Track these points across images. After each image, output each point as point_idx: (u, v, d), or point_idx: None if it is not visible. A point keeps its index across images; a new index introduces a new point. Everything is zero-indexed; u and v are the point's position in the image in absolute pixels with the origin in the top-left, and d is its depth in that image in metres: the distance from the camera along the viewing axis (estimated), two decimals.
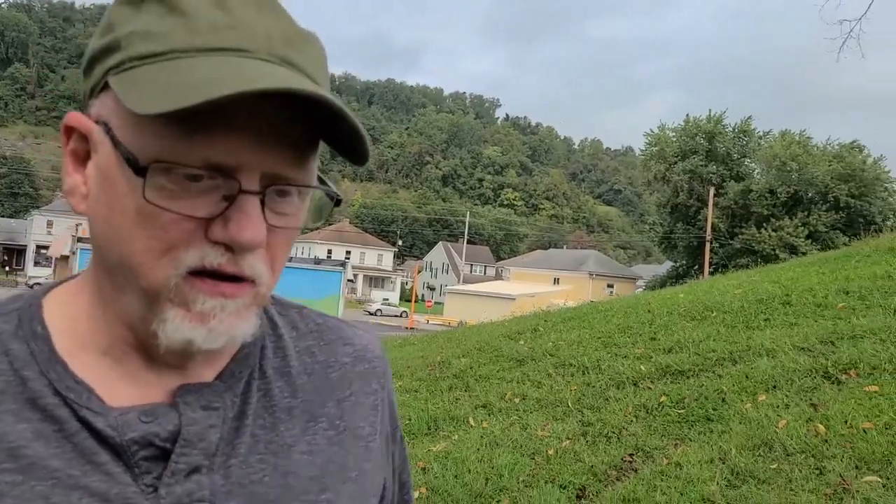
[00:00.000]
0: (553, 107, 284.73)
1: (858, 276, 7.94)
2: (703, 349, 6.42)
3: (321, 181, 0.68)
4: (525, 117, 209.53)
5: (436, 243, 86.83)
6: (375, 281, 71.32)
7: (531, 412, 5.65)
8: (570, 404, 5.67)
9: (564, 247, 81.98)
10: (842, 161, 47.35)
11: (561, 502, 3.96)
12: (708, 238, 47.19)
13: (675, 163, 51.17)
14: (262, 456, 0.68)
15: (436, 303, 64.31)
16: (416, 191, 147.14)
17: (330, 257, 63.35)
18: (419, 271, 72.27)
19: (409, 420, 5.57)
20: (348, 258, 70.13)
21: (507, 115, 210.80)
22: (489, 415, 5.72)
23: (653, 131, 53.57)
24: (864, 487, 3.75)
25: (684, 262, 53.81)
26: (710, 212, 47.53)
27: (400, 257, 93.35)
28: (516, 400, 6.02)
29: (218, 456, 0.66)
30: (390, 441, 0.85)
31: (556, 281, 53.80)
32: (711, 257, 46.81)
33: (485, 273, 77.94)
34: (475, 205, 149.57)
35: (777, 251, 43.58)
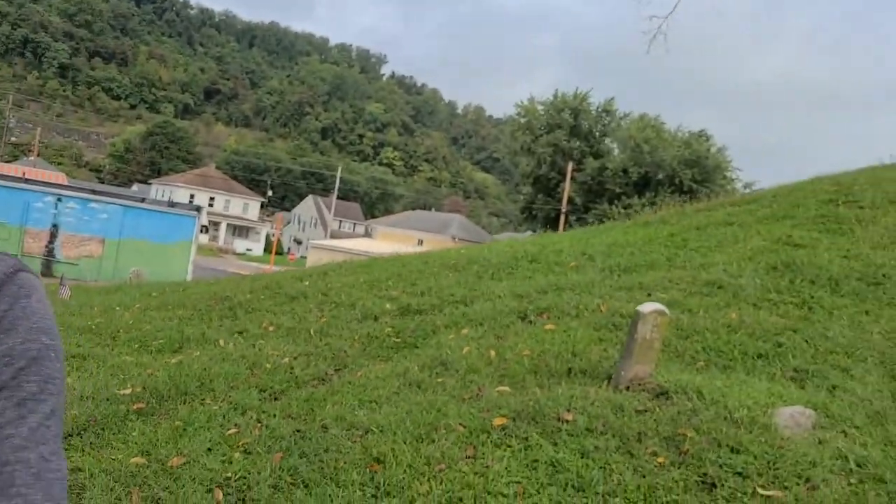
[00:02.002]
0: (440, 69, 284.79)
1: (601, 243, 9.23)
2: (445, 294, 7.41)
3: None
4: (411, 77, 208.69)
5: (308, 196, 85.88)
6: (240, 230, 69.96)
7: (276, 338, 6.41)
8: (311, 332, 6.48)
9: (433, 209, 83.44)
10: (689, 147, 50.98)
11: (255, 400, 4.75)
12: (564, 210, 49.61)
13: (541, 135, 53.22)
14: None
15: (301, 257, 64.03)
16: (293, 141, 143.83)
17: (192, 202, 61.24)
18: (284, 223, 71.42)
19: (159, 340, 6.20)
20: (211, 205, 68.27)
21: (393, 72, 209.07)
22: (241, 339, 6.44)
23: (523, 103, 55.42)
24: (494, 395, 4.75)
25: (542, 232, 56.41)
26: (567, 185, 49.94)
27: (269, 208, 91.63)
28: (270, 328, 6.76)
29: None
30: None
31: (420, 242, 54.98)
32: (566, 229, 49.32)
33: (354, 230, 78.18)
34: (354, 161, 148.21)
35: None
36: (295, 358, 5.71)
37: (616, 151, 53.94)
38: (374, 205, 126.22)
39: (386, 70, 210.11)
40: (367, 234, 69.38)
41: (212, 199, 68.68)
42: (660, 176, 51.45)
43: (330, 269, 9.80)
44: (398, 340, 6.15)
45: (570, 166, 49.03)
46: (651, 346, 4.78)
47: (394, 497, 3.42)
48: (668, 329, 5.88)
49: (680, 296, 6.64)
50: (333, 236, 64.63)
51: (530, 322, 6.38)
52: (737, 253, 7.93)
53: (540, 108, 54.57)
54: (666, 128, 52.47)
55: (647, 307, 4.75)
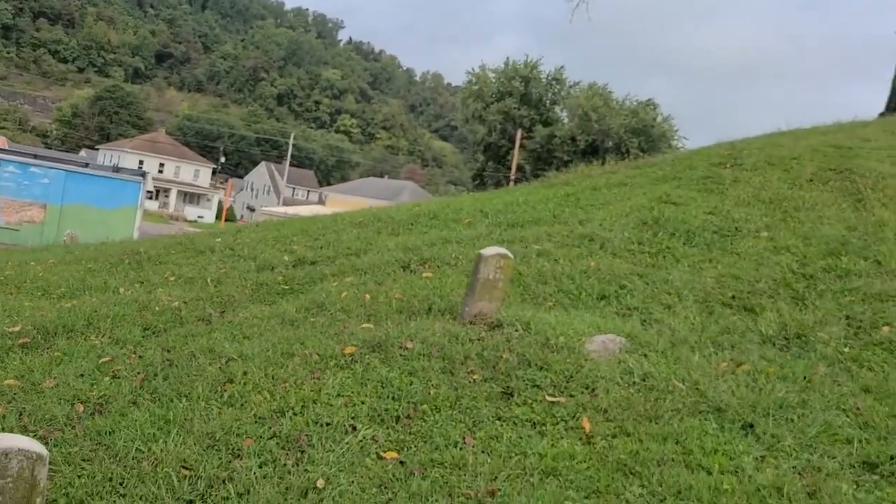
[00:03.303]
0: (398, 35, 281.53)
1: (501, 202, 9.81)
2: (342, 247, 7.92)
3: None
4: (368, 43, 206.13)
5: (261, 163, 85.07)
6: (191, 197, 69.23)
7: (174, 286, 6.87)
8: (208, 281, 6.94)
9: (386, 176, 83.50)
10: (636, 116, 51.94)
11: (135, 335, 5.23)
12: (513, 178, 50.25)
13: (492, 103, 53.56)
14: None
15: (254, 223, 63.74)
16: (248, 107, 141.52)
17: (141, 168, 60.27)
18: (237, 190, 70.83)
19: (62, 289, 6.61)
20: (161, 171, 67.36)
21: (350, 38, 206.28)
22: (140, 287, 6.87)
23: (474, 70, 55.60)
24: (360, 330, 5.27)
25: None
26: (516, 152, 50.49)
27: (222, 175, 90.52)
28: (171, 278, 7.20)
29: None
30: None
31: (371, 209, 55.25)
32: None
33: (307, 197, 77.93)
34: (311, 128, 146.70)
35: None
36: (185, 302, 6.18)
37: (565, 119, 54.70)
38: (330, 172, 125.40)
39: (343, 36, 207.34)
40: (321, 202, 69.26)
41: (161, 165, 67.75)
42: (608, 144, 52.42)
43: (246, 227, 10.21)
44: (286, 287, 6.66)
45: (518, 134, 49.55)
46: (495, 286, 5.37)
47: (231, 406, 3.96)
48: (532, 274, 6.51)
49: (552, 247, 7.25)
50: (286, 203, 64.41)
51: (412, 271, 6.93)
52: (617, 210, 8.57)
53: (491, 75, 54.80)
54: (614, 97, 53.32)
55: (489, 251, 5.33)
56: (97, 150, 73.80)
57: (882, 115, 13.76)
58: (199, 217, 65.37)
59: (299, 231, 9.08)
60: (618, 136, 51.21)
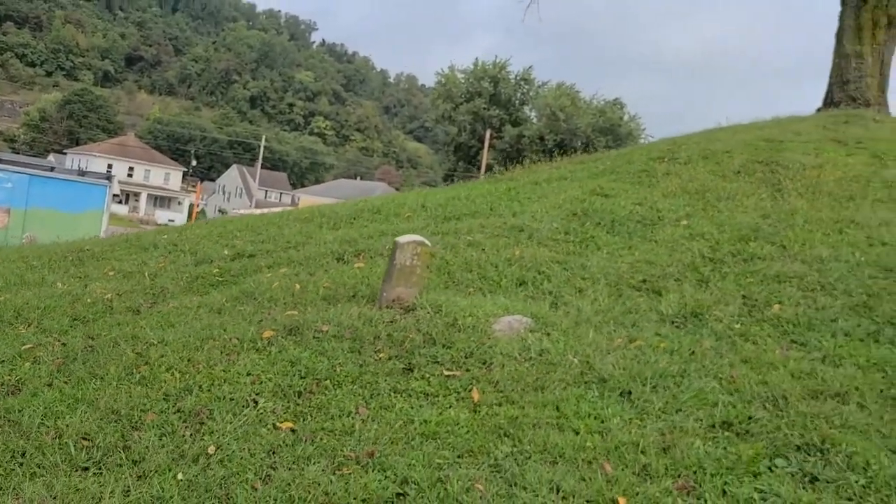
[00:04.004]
0: (371, 37, 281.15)
1: (444, 197, 10.08)
2: (282, 241, 8.14)
3: None
4: (342, 45, 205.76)
5: (233, 166, 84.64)
6: (161, 200, 68.75)
7: (112, 280, 7.04)
8: (146, 275, 7.12)
9: (358, 178, 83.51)
10: (603, 115, 52.58)
11: (63, 325, 5.41)
12: (482, 178, 50.45)
13: (462, 104, 53.87)
14: None
15: None
16: (220, 110, 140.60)
17: (109, 172, 59.71)
18: (209, 193, 70.45)
19: (7, 282, 6.77)
20: (131, 175, 66.84)
21: (323, 40, 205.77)
22: (76, 281, 7.04)
23: (443, 71, 55.87)
24: (284, 316, 5.49)
25: None
26: (485, 152, 50.79)
27: (194, 178, 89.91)
28: (111, 273, 7.37)
29: None
30: None
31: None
32: None
33: (280, 199, 77.67)
34: (284, 130, 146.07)
35: None
36: (118, 294, 6.37)
37: (534, 119, 55.21)
38: (304, 174, 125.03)
39: (316, 38, 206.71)
40: (294, 203, 69.11)
41: (131, 168, 67.22)
42: (576, 143, 52.95)
43: (194, 224, 10.37)
44: (221, 279, 6.86)
45: (487, 134, 49.88)
46: (413, 272, 5.62)
47: (142, 385, 4.17)
48: (458, 262, 6.77)
49: (482, 237, 7.52)
50: (258, 206, 64.20)
51: (345, 262, 7.17)
52: (551, 202, 8.87)
53: (460, 76, 55.09)
54: (581, 96, 53.95)
55: (405, 239, 5.59)
56: (65, 154, 73.00)
57: (819, 109, 14.22)
58: (169, 220, 64.85)
59: (244, 227, 9.28)
60: (585, 135, 51.72)
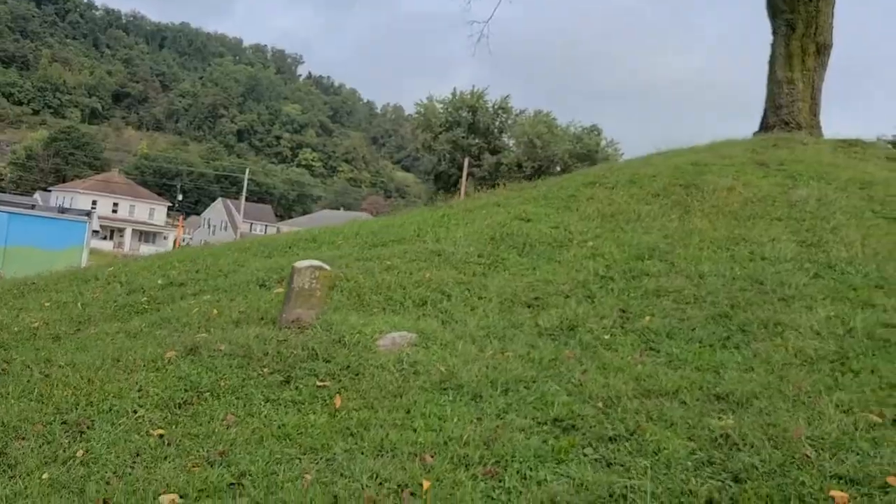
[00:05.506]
0: (358, 69, 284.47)
1: (380, 224, 10.55)
2: (215, 269, 8.58)
3: None
4: (328, 77, 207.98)
5: (218, 199, 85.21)
6: (146, 235, 69.09)
7: (46, 310, 7.45)
8: (79, 304, 7.54)
9: (341, 209, 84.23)
10: (580, 142, 53.59)
11: None
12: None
13: (441, 133, 54.73)
14: None
15: None
16: (207, 144, 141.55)
17: (94, 209, 60.03)
18: (195, 227, 70.80)
19: None
20: (115, 210, 67.23)
21: (309, 73, 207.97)
22: (12, 311, 7.44)
23: (422, 101, 56.82)
24: (189, 339, 5.90)
25: None
26: (464, 181, 51.42)
27: (181, 212, 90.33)
28: (47, 304, 7.78)
29: None
30: None
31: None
32: None
33: (265, 231, 78.05)
34: (272, 163, 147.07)
35: None
36: (46, 322, 6.78)
37: (513, 147, 56.10)
38: (292, 206, 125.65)
39: (302, 71, 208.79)
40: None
41: (115, 204, 67.64)
42: (554, 169, 53.75)
43: (141, 257, 10.82)
44: (147, 307, 7.29)
45: (466, 162, 50.57)
46: (312, 295, 6.08)
47: (37, 402, 4.58)
48: (369, 285, 7.20)
49: (400, 262, 7.97)
50: (244, 237, 64.55)
51: (267, 288, 7.60)
52: (475, 228, 9.35)
53: (439, 106, 56.01)
54: (558, 123, 54.95)
55: (303, 263, 6.05)
56: (50, 191, 73.42)
57: (755, 133, 14.84)
58: None
59: (186, 258, 9.71)
60: (563, 162, 52.56)
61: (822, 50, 14.82)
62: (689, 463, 3.63)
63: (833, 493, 3.23)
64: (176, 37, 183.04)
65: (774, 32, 15.08)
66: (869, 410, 4.00)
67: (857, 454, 3.55)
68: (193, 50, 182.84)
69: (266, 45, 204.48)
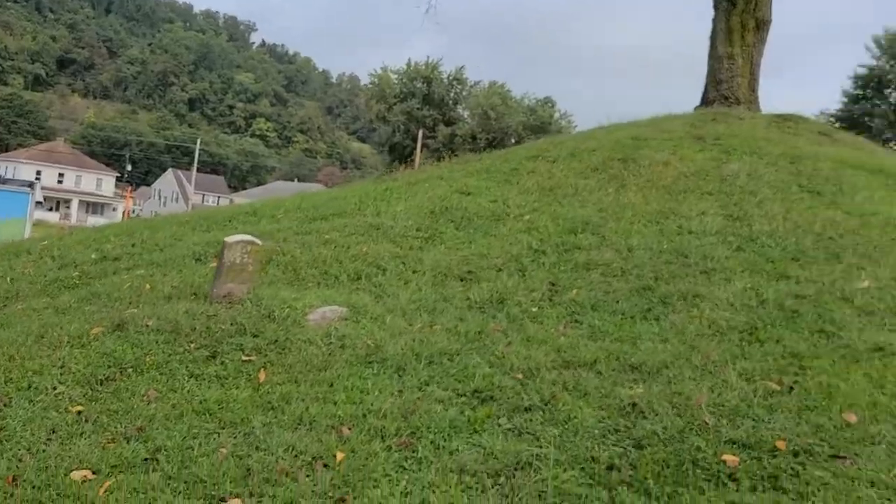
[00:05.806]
0: (313, 38, 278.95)
1: (323, 197, 10.52)
2: (151, 243, 8.49)
3: None
4: (282, 45, 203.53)
5: (168, 170, 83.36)
6: (94, 207, 67.37)
7: None
8: (8, 280, 7.39)
9: (296, 180, 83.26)
10: (534, 114, 53.77)
11: None
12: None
13: (395, 104, 54.28)
14: None
15: None
16: (158, 113, 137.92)
17: (38, 179, 58.27)
18: (135, 197, 69.24)
19: None
20: (61, 181, 65.34)
21: (263, 41, 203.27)
22: None
23: (376, 72, 56.21)
24: (118, 314, 5.85)
25: None
26: (418, 152, 51.06)
27: (131, 183, 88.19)
28: None
29: None
30: None
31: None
32: None
33: (218, 203, 76.76)
34: (225, 133, 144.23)
35: None
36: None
37: (467, 119, 56.01)
38: (246, 177, 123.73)
39: (256, 38, 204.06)
40: None
41: (61, 175, 65.70)
42: (508, 141, 53.88)
43: (79, 229, 10.61)
44: (78, 282, 7.19)
45: (420, 133, 50.26)
46: (244, 269, 6.07)
47: None
48: (306, 259, 7.21)
49: (339, 236, 7.99)
50: (195, 209, 63.43)
51: (202, 262, 7.56)
52: (416, 202, 9.40)
53: (393, 77, 55.48)
54: (512, 95, 54.95)
55: (233, 238, 6.03)
56: None
57: (696, 108, 15.12)
58: None
59: (122, 231, 9.56)
60: (517, 134, 52.68)
61: (761, 26, 15.10)
62: (597, 431, 3.78)
63: (725, 456, 3.42)
64: (123, 1, 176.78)
65: (715, 8, 15.30)
66: (769, 378, 4.21)
67: (753, 420, 3.74)
68: (142, 15, 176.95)
69: (218, 12, 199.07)
